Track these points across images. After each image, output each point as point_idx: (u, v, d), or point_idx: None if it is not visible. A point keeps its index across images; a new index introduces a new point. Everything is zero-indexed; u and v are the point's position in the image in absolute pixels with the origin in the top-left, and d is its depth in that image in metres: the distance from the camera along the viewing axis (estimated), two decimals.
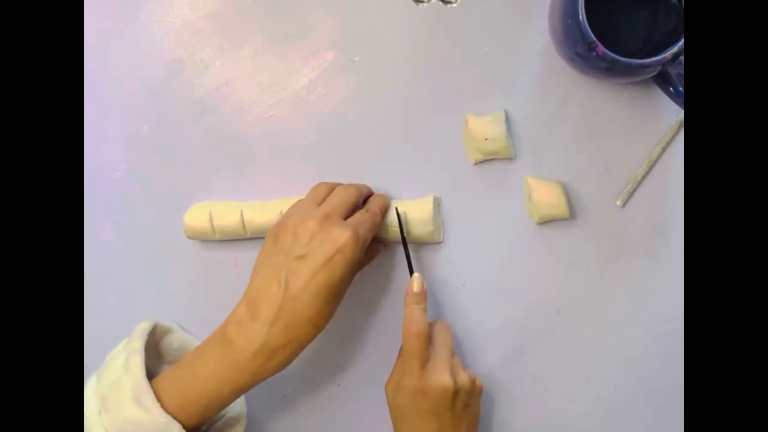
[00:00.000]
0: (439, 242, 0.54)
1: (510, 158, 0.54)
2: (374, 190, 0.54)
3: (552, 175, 0.54)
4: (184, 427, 0.42)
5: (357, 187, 0.50)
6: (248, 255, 0.55)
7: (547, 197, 0.52)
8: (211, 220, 0.53)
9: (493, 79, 0.53)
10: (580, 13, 0.43)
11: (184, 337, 0.53)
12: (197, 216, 0.53)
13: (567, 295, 0.54)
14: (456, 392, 0.48)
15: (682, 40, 0.44)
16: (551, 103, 0.53)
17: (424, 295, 0.50)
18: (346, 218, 0.47)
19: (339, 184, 0.51)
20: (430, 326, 0.50)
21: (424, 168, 0.54)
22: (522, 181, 0.54)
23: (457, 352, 0.55)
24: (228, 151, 0.55)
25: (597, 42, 0.43)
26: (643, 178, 0.54)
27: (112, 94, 0.55)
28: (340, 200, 0.47)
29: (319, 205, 0.47)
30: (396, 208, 0.51)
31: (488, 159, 0.54)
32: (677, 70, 0.46)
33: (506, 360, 0.55)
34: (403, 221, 0.51)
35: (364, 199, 0.51)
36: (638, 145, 0.53)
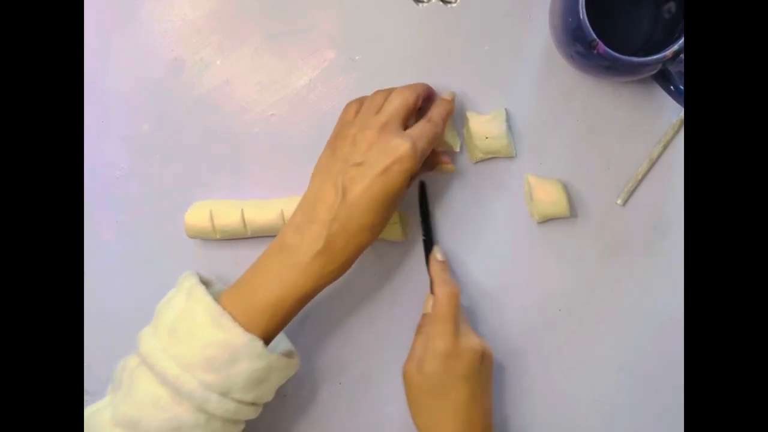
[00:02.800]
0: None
1: (510, 157, 0.54)
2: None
3: (552, 173, 0.54)
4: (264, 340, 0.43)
5: (413, 88, 0.49)
6: (249, 254, 0.55)
7: (547, 196, 0.52)
8: (211, 219, 0.53)
9: (494, 77, 0.53)
10: (580, 11, 0.43)
11: (223, 289, 0.52)
12: (198, 215, 0.53)
13: (567, 293, 0.54)
14: (483, 354, 0.48)
15: (683, 39, 0.44)
16: (552, 101, 0.53)
17: (447, 264, 0.51)
18: (405, 124, 0.47)
19: (394, 89, 0.49)
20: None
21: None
22: (522, 180, 0.54)
23: None
24: (228, 149, 0.55)
25: (597, 40, 0.43)
26: (644, 176, 0.54)
27: (112, 93, 0.55)
28: (396, 107, 0.46)
29: (377, 112, 0.47)
30: (421, 182, 0.52)
31: (489, 158, 0.54)
32: (678, 69, 0.46)
33: (506, 359, 0.55)
34: (427, 191, 0.52)
35: (423, 98, 0.50)
36: (639, 143, 0.53)
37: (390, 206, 0.45)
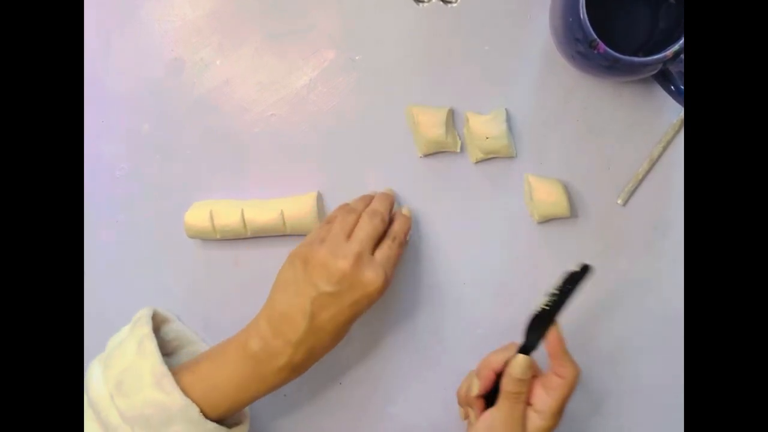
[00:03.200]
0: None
1: (511, 157, 0.54)
2: (373, 189, 0.54)
3: (553, 173, 0.54)
4: (205, 415, 0.44)
5: (381, 212, 0.49)
6: (249, 254, 0.55)
7: (547, 196, 0.52)
8: (211, 219, 0.53)
9: (494, 77, 0.53)
10: (581, 11, 0.43)
11: (180, 328, 0.53)
12: (198, 215, 0.53)
13: None
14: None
15: (683, 38, 0.44)
16: (552, 101, 0.53)
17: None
18: (374, 248, 0.47)
19: (363, 208, 0.50)
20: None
21: (425, 167, 0.54)
22: (523, 180, 0.54)
23: (454, 350, 0.55)
24: (228, 149, 0.55)
25: (598, 40, 0.43)
26: (644, 176, 0.54)
27: (112, 93, 0.55)
28: (367, 234, 0.47)
29: (348, 236, 0.47)
30: (585, 266, 0.46)
31: (489, 157, 0.54)
32: (678, 68, 0.46)
33: None
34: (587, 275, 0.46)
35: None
36: (639, 143, 0.53)
37: (352, 324, 0.47)
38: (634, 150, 0.53)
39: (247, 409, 0.51)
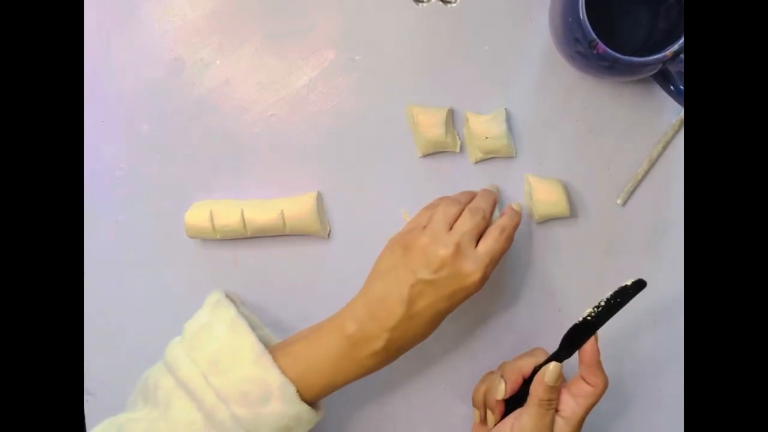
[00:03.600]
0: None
1: (510, 157, 0.54)
2: (373, 189, 0.54)
3: (552, 173, 0.54)
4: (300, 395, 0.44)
5: (483, 209, 0.48)
6: (249, 254, 0.55)
7: (547, 196, 0.52)
8: (211, 219, 0.53)
9: (494, 77, 0.53)
10: (580, 11, 0.43)
11: (246, 312, 0.53)
12: (198, 215, 0.53)
13: (567, 293, 0.54)
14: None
15: (683, 38, 0.44)
16: (552, 101, 0.53)
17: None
18: (477, 241, 0.47)
19: (466, 202, 0.49)
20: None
21: (425, 167, 0.54)
22: (522, 180, 0.54)
23: (454, 349, 0.55)
24: (228, 149, 0.55)
25: (598, 40, 0.43)
26: (644, 176, 0.54)
27: (112, 94, 0.55)
28: (469, 228, 0.46)
29: (450, 227, 0.47)
30: (640, 281, 0.46)
31: (489, 157, 0.54)
32: (678, 68, 0.46)
33: (507, 359, 0.55)
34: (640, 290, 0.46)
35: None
36: (639, 143, 0.53)
37: (444, 317, 0.47)
38: (633, 150, 0.53)
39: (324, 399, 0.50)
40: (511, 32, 0.53)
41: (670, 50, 0.44)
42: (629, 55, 0.44)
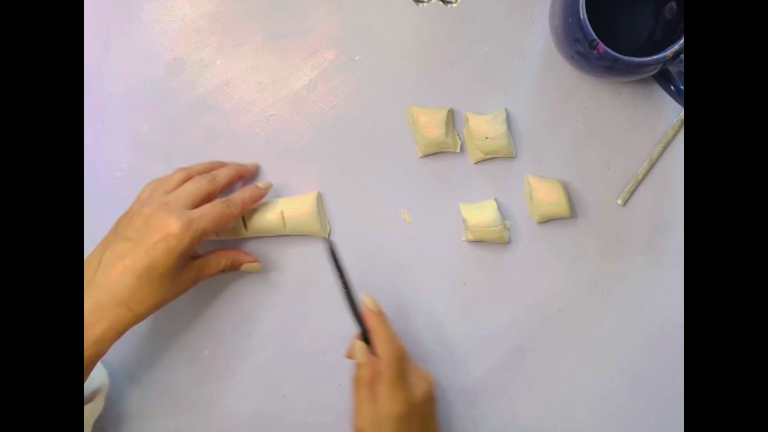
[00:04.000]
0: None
1: (511, 157, 0.54)
2: (373, 189, 0.54)
3: (553, 173, 0.54)
4: None
5: (212, 178, 0.49)
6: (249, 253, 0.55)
7: (547, 196, 0.52)
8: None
9: (494, 78, 0.53)
10: (581, 11, 0.43)
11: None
12: None
13: (568, 293, 0.54)
14: (433, 397, 0.47)
15: (683, 39, 0.44)
16: (552, 101, 0.53)
17: (383, 314, 0.48)
18: (194, 206, 0.47)
19: (197, 173, 0.50)
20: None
21: (425, 167, 0.54)
22: (523, 180, 0.54)
23: (454, 350, 0.55)
24: (228, 150, 0.55)
25: (598, 40, 0.43)
26: (644, 176, 0.54)
27: (112, 94, 0.55)
28: (187, 192, 0.47)
29: (168, 193, 0.48)
30: (328, 241, 0.48)
31: (489, 158, 0.54)
32: (678, 69, 0.46)
33: (507, 359, 0.55)
34: (335, 248, 0.47)
35: (237, 180, 0.51)
36: (639, 143, 0.53)
37: (155, 283, 0.45)
38: (633, 150, 0.54)
39: (104, 382, 0.50)
40: (511, 32, 0.53)
41: (670, 50, 0.44)
42: (629, 55, 0.44)
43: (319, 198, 0.54)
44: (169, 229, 0.44)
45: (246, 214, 0.53)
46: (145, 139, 0.55)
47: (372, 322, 0.47)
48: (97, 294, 0.43)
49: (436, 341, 0.55)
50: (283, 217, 0.52)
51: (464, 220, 0.53)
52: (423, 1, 0.54)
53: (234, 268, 0.52)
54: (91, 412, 0.49)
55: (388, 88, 0.54)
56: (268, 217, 0.52)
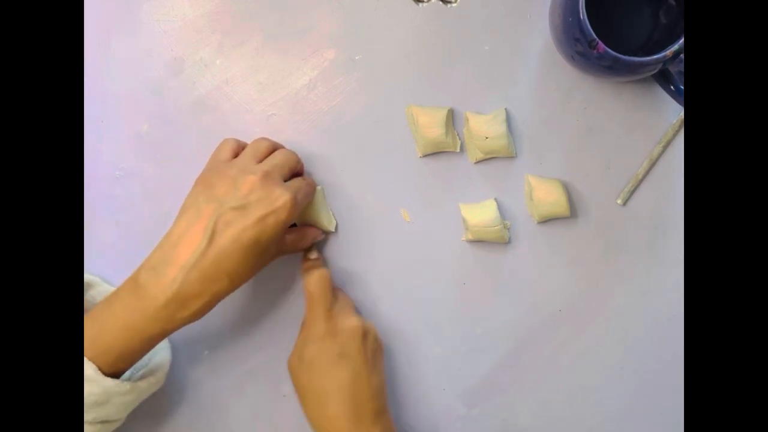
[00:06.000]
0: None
1: (510, 157, 0.54)
2: (373, 189, 0.54)
3: (553, 173, 0.54)
4: (102, 371, 0.41)
5: (293, 156, 0.50)
6: None
7: (547, 196, 0.52)
8: None
9: (494, 77, 0.53)
10: (581, 11, 0.43)
11: (108, 290, 0.51)
12: None
13: (568, 293, 0.54)
14: (365, 333, 0.47)
15: (683, 38, 0.44)
16: (552, 101, 0.53)
17: (320, 261, 0.52)
18: (285, 180, 0.47)
19: (280, 145, 0.51)
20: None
21: (425, 167, 0.54)
22: (523, 180, 0.54)
23: (454, 350, 0.55)
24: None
25: (598, 40, 0.43)
26: (644, 176, 0.54)
27: (112, 94, 0.55)
28: (281, 162, 0.47)
29: (260, 161, 0.47)
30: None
31: (489, 158, 0.54)
32: (678, 68, 0.46)
33: (506, 359, 0.55)
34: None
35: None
36: (639, 143, 0.53)
37: (257, 256, 0.44)
38: (634, 150, 0.53)
39: (167, 358, 0.49)
40: (511, 32, 0.53)
41: (670, 50, 0.44)
42: (629, 55, 0.44)
43: (322, 193, 0.54)
44: (278, 202, 0.43)
45: None
46: (145, 138, 0.55)
47: (305, 265, 0.51)
48: (205, 266, 0.42)
49: (436, 341, 0.55)
50: None
51: (464, 220, 0.53)
52: (423, 1, 0.54)
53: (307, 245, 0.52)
54: (152, 386, 0.47)
55: (388, 88, 0.54)
56: None
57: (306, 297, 0.49)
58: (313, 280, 0.49)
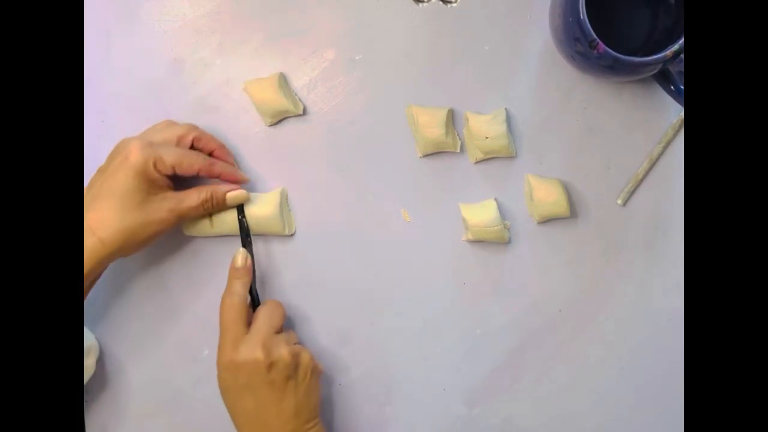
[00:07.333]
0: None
1: (511, 157, 0.54)
2: (373, 189, 0.54)
3: (553, 173, 0.54)
4: None
5: (191, 128, 0.51)
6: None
7: (547, 196, 0.52)
8: (210, 216, 0.52)
9: (494, 77, 0.53)
10: (581, 11, 0.43)
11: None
12: None
13: (568, 293, 0.54)
14: (270, 365, 0.47)
15: (683, 38, 0.44)
16: (552, 101, 0.53)
17: (247, 270, 0.50)
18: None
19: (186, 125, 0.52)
20: (259, 305, 0.51)
21: (425, 167, 0.54)
22: (523, 180, 0.54)
23: (454, 350, 0.55)
24: (228, 149, 0.55)
25: (598, 40, 0.43)
26: (644, 176, 0.54)
27: (112, 94, 0.55)
28: (161, 133, 0.50)
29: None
30: (240, 205, 0.52)
31: (489, 158, 0.54)
32: (678, 68, 0.46)
33: (507, 359, 0.55)
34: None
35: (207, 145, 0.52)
36: (639, 143, 0.53)
37: (116, 205, 0.46)
38: (634, 150, 0.54)
39: (94, 342, 0.52)
40: (511, 32, 0.53)
41: (670, 50, 0.44)
42: (629, 55, 0.44)
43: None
44: (127, 150, 0.46)
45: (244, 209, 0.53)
46: None
47: (229, 274, 0.51)
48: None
49: (436, 341, 0.55)
50: (281, 212, 0.52)
51: (464, 220, 0.53)
52: (423, 1, 0.54)
53: (219, 203, 0.51)
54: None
55: (388, 88, 0.54)
56: (267, 212, 0.52)
57: (219, 321, 0.49)
58: (225, 308, 0.49)
